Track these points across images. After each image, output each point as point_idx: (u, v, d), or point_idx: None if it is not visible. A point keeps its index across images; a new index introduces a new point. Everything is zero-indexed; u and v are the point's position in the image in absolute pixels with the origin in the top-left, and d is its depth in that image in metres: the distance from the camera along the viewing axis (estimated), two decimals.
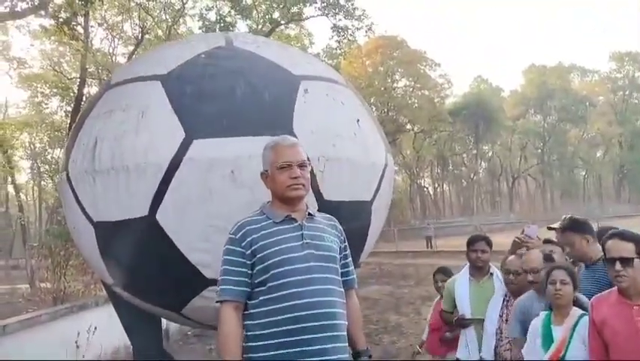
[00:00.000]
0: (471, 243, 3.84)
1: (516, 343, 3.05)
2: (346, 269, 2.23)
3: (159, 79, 3.10)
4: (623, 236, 2.49)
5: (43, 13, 11.79)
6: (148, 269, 2.99)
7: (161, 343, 3.83)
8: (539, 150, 60.89)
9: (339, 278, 2.11)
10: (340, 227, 2.26)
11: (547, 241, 3.69)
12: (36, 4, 10.74)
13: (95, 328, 5.29)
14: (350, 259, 2.26)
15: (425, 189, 59.82)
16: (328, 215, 2.31)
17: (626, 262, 2.41)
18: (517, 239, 3.48)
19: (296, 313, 1.94)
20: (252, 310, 2.02)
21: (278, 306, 1.96)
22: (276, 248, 2.01)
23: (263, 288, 2.00)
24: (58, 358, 5.21)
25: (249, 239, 2.04)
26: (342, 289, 2.11)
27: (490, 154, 63.39)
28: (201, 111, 2.94)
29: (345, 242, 2.22)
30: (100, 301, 6.42)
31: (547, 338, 2.64)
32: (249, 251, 2.02)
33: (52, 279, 8.70)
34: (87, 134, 3.17)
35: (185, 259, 2.83)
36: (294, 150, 2.14)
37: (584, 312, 2.62)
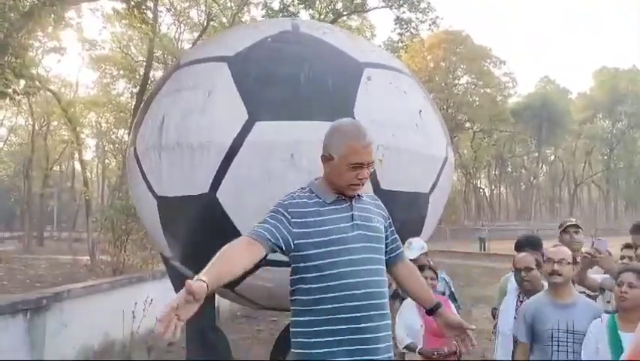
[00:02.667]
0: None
1: (521, 348, 2.94)
2: (396, 244, 2.24)
3: (226, 60, 3.17)
4: None
5: None
6: (205, 245, 3.06)
7: (214, 319, 3.94)
8: (605, 157, 58.07)
9: (382, 257, 2.12)
10: (382, 205, 2.23)
11: (627, 246, 3.62)
12: None
13: (152, 300, 5.49)
14: (395, 235, 2.24)
15: (481, 190, 58.40)
16: (371, 194, 2.30)
17: None
18: (587, 254, 3.33)
19: (347, 292, 1.96)
20: (300, 285, 2.04)
21: (329, 284, 1.97)
22: (327, 227, 2.01)
23: (311, 264, 2.00)
24: (116, 324, 5.47)
25: (300, 210, 2.03)
26: (383, 267, 2.12)
27: (552, 158, 61.09)
28: (265, 94, 2.99)
29: (389, 219, 2.21)
30: (157, 275, 6.66)
31: (616, 345, 2.52)
32: (297, 220, 2.00)
33: (113, 252, 9.10)
34: (155, 112, 3.29)
35: None
36: (368, 150, 2.06)
37: None
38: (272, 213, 2.03)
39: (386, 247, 2.17)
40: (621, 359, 2.40)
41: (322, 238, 1.99)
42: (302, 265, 2.03)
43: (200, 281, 1.64)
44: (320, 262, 1.99)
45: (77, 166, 34.97)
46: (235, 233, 2.88)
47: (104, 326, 5.48)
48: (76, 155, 28.85)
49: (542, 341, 2.82)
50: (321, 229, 2.01)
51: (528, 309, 2.94)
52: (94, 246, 12.86)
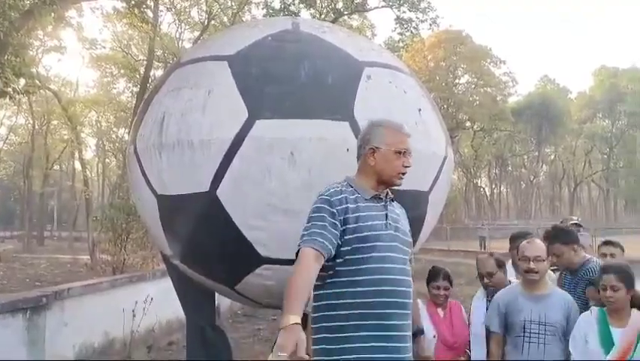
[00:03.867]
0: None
1: (495, 339, 2.95)
2: (411, 249, 2.32)
3: (226, 59, 3.17)
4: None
5: None
6: (206, 244, 3.09)
7: (214, 317, 3.95)
8: (605, 156, 58.08)
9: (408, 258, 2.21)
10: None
11: (607, 243, 3.65)
12: None
13: (152, 299, 5.51)
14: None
15: (481, 189, 58.40)
16: (398, 204, 2.37)
17: None
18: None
19: (377, 288, 2.02)
20: (332, 279, 2.07)
21: (360, 278, 2.02)
22: (364, 223, 2.07)
23: (344, 259, 2.04)
24: (116, 323, 5.47)
25: (344, 206, 2.08)
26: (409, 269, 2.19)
27: (552, 157, 61.09)
28: (265, 92, 2.99)
29: (410, 232, 2.31)
30: (157, 274, 6.68)
31: (606, 338, 2.54)
32: (342, 217, 2.06)
33: (113, 251, 9.11)
34: (156, 110, 3.29)
35: (242, 235, 2.90)
36: (408, 140, 2.25)
37: None
38: (322, 214, 2.06)
39: None
40: (610, 358, 2.44)
41: (358, 235, 2.05)
42: (336, 259, 2.06)
43: (296, 325, 1.77)
44: (353, 256, 2.04)
45: (77, 165, 34.98)
46: (233, 231, 2.89)
47: (104, 324, 5.49)
48: (77, 154, 28.86)
49: (515, 332, 2.83)
50: (358, 225, 2.06)
51: (502, 299, 2.95)
52: (94, 245, 12.87)
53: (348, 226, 2.06)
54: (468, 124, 45.65)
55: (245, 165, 2.89)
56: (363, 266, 2.03)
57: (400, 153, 2.18)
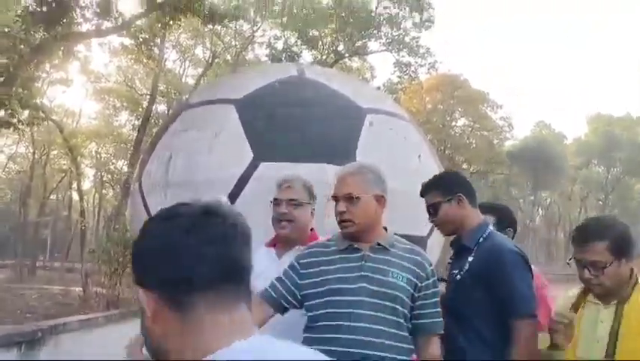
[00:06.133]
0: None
1: None
2: (420, 311, 1.92)
3: (233, 103, 3.29)
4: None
5: (124, 32, 12.58)
6: None
7: None
8: (601, 202, 58.38)
9: (399, 320, 1.87)
10: (426, 263, 1.98)
11: None
12: (119, 24, 11.47)
13: None
14: (431, 300, 1.94)
15: None
16: (416, 248, 2.04)
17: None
18: None
19: (344, 349, 1.80)
20: (305, 334, 1.94)
21: (326, 336, 1.84)
22: (329, 277, 1.90)
23: (311, 314, 1.92)
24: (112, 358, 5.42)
25: (307, 261, 1.98)
26: (400, 332, 1.87)
27: (548, 201, 61.34)
28: (270, 136, 3.10)
29: (427, 280, 1.94)
30: None
31: None
32: (302, 271, 1.95)
33: (108, 284, 9.04)
34: (163, 149, 3.39)
35: None
36: (342, 185, 1.98)
37: None
38: (285, 268, 2.01)
39: (410, 311, 1.91)
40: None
41: (321, 289, 1.88)
42: (308, 314, 1.93)
43: None
44: (317, 312, 1.88)
45: (74, 195, 34.94)
46: None
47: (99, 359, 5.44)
48: (75, 184, 28.91)
49: None
50: (323, 278, 1.90)
51: None
52: (87, 277, 12.77)
53: (313, 279, 1.94)
54: (464, 166, 45.96)
55: (248, 205, 2.95)
56: (330, 323, 1.88)
57: (335, 199, 1.96)
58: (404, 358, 1.86)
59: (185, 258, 0.82)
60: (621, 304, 1.94)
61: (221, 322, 0.82)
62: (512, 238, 2.73)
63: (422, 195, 2.34)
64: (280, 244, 2.34)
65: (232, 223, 0.87)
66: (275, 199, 2.30)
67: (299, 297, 1.94)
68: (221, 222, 0.86)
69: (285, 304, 1.95)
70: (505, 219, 2.79)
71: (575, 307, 2.01)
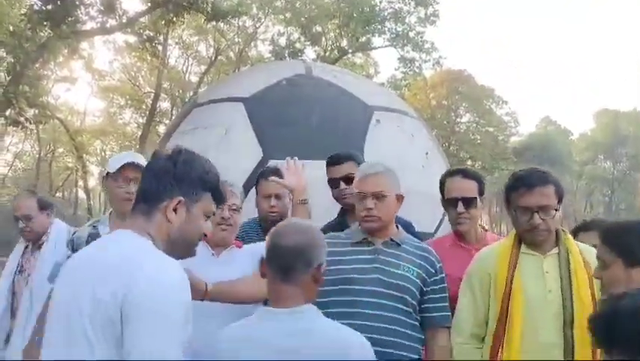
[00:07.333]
0: None
1: None
2: (429, 305, 2.05)
3: (242, 101, 3.32)
4: (466, 174, 2.31)
5: (129, 30, 12.62)
6: None
7: None
8: (607, 198, 58.18)
9: (409, 309, 1.99)
10: (435, 259, 2.10)
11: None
12: (123, 22, 11.51)
13: None
14: (439, 295, 2.07)
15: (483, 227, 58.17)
16: (425, 246, 2.17)
17: (469, 202, 2.25)
18: None
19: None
20: None
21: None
22: (343, 267, 1.99)
23: (321, 301, 1.87)
24: None
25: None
26: (410, 321, 2.00)
27: None
28: (278, 134, 3.13)
29: (435, 276, 2.06)
30: None
31: None
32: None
33: None
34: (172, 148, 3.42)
35: None
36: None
37: None
38: None
39: (419, 304, 2.03)
40: None
41: (334, 277, 1.95)
42: (318, 300, 1.91)
43: (203, 283, 1.80)
44: (328, 299, 1.94)
45: (80, 193, 35.08)
46: None
47: None
48: (80, 182, 29.03)
49: None
50: (337, 267, 1.97)
51: None
52: None
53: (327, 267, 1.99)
54: (469, 162, 45.84)
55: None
56: (340, 310, 1.94)
57: (362, 195, 2.09)
58: (415, 345, 1.99)
59: None
60: (564, 254, 1.93)
61: None
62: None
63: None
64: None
65: None
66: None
67: None
68: None
69: None
70: None
71: (514, 261, 1.97)
